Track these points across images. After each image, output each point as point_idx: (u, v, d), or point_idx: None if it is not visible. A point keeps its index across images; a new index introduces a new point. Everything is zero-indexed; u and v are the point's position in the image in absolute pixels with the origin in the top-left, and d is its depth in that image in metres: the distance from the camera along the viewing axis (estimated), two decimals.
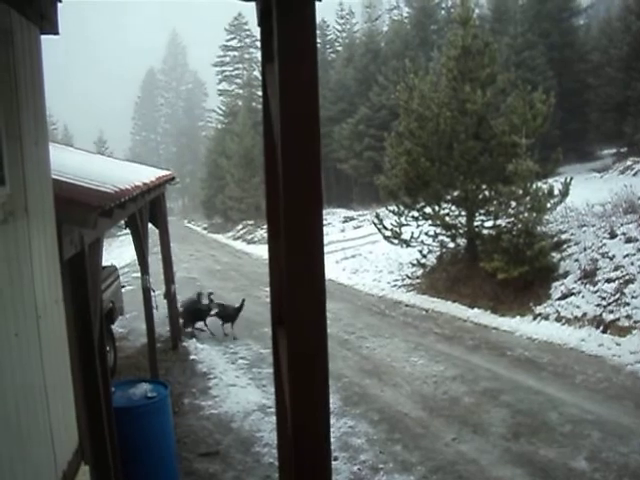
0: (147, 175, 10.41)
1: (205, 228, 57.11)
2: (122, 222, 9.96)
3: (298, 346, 2.78)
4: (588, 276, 13.17)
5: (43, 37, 4.57)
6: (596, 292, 12.64)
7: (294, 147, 2.42)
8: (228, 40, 73.47)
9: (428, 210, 16.71)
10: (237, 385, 10.70)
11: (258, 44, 5.99)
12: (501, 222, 15.54)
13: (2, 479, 3.13)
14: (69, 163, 7.22)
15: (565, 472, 6.97)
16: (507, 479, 7.00)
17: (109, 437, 5.47)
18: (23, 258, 3.67)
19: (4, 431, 3.21)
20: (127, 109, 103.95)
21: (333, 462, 7.45)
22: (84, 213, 4.67)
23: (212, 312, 14.02)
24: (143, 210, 10.06)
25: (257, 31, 3.85)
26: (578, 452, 7.44)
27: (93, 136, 75.85)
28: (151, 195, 10.37)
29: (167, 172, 13.57)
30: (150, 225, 11.59)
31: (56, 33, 4.77)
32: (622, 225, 14.44)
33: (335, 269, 21.43)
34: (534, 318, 13.09)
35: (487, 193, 16.17)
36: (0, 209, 3.34)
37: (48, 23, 4.57)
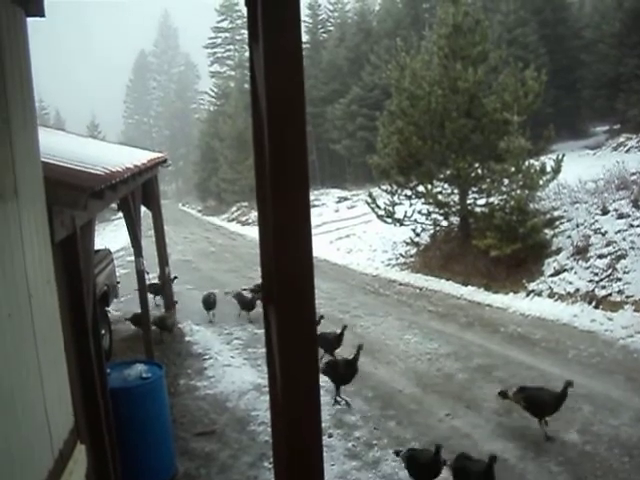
0: (139, 158, 10.38)
1: (199, 211, 57.01)
2: (115, 205, 9.96)
3: (287, 323, 2.80)
4: (580, 252, 13.25)
5: (32, 20, 4.54)
6: (588, 268, 12.72)
7: (280, 122, 2.44)
8: (219, 21, 72.91)
9: (421, 189, 16.73)
10: (232, 365, 10.78)
11: None
12: (494, 200, 15.58)
13: None
14: (60, 147, 7.21)
15: (557, 445, 7.06)
16: (499, 453, 7.07)
17: (105, 417, 5.53)
18: (14, 239, 3.68)
19: (0, 412, 3.24)
20: (119, 93, 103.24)
21: (328, 439, 7.55)
22: (74, 195, 4.67)
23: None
24: (135, 192, 10.05)
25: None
26: (570, 425, 7.54)
27: (85, 120, 75.31)
28: (143, 177, 10.36)
29: (159, 154, 13.55)
30: (144, 208, 11.58)
31: (42, 15, 4.73)
32: (614, 201, 14.50)
33: (329, 249, 21.50)
34: (527, 295, 13.18)
35: (479, 171, 16.20)
36: None
37: (33, 5, 4.53)
